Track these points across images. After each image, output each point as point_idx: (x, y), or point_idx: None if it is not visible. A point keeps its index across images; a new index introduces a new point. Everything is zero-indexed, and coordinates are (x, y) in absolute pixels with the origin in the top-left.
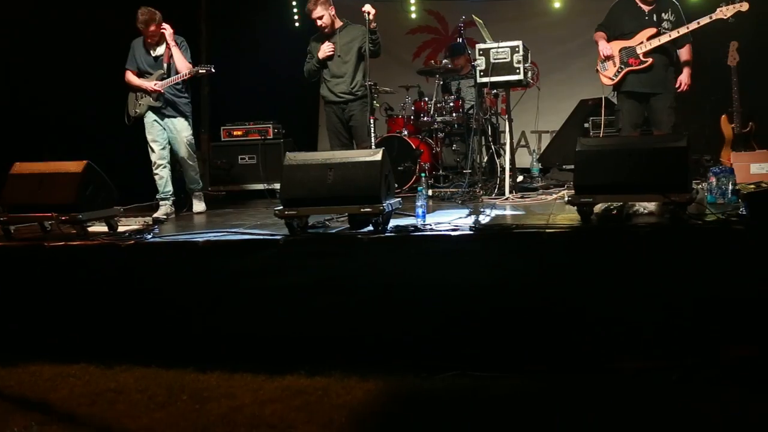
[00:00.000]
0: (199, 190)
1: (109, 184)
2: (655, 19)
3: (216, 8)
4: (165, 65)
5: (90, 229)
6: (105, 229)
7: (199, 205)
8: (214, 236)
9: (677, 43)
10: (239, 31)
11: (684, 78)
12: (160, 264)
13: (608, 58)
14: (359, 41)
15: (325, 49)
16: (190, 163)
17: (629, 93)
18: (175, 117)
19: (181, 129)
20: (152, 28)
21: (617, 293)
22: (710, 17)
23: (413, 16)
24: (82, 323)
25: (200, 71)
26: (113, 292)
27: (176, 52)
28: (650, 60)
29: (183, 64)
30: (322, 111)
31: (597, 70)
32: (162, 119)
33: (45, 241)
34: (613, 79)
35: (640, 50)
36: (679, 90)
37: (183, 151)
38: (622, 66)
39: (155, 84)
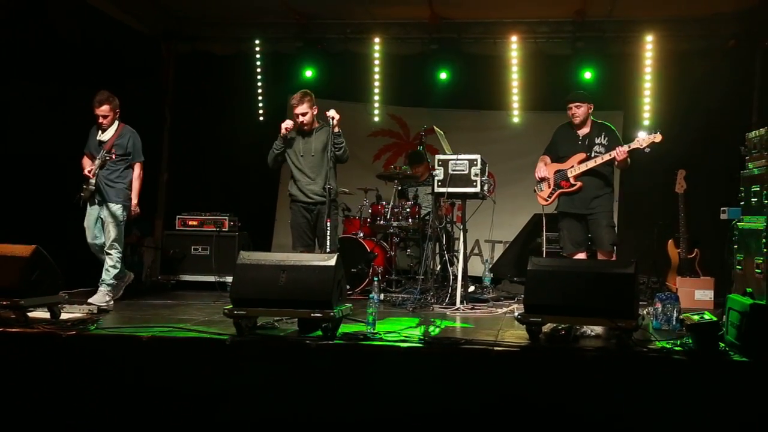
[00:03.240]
0: (108, 284)
1: (55, 270)
2: (587, 143)
3: (182, 96)
4: (104, 152)
5: (32, 314)
6: (48, 315)
7: (99, 297)
8: (160, 332)
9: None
10: (203, 120)
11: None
12: (101, 357)
13: (542, 179)
14: (330, 144)
15: (287, 124)
16: (110, 252)
17: (564, 213)
18: (108, 203)
19: (108, 216)
20: (102, 108)
21: (562, 414)
22: (629, 146)
23: (376, 119)
24: (17, 413)
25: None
26: (50, 383)
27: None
28: (579, 183)
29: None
30: (282, 206)
31: (534, 191)
32: (98, 204)
33: None
34: (547, 200)
35: (570, 173)
36: (613, 154)
37: (109, 238)
38: (555, 188)
39: (89, 170)
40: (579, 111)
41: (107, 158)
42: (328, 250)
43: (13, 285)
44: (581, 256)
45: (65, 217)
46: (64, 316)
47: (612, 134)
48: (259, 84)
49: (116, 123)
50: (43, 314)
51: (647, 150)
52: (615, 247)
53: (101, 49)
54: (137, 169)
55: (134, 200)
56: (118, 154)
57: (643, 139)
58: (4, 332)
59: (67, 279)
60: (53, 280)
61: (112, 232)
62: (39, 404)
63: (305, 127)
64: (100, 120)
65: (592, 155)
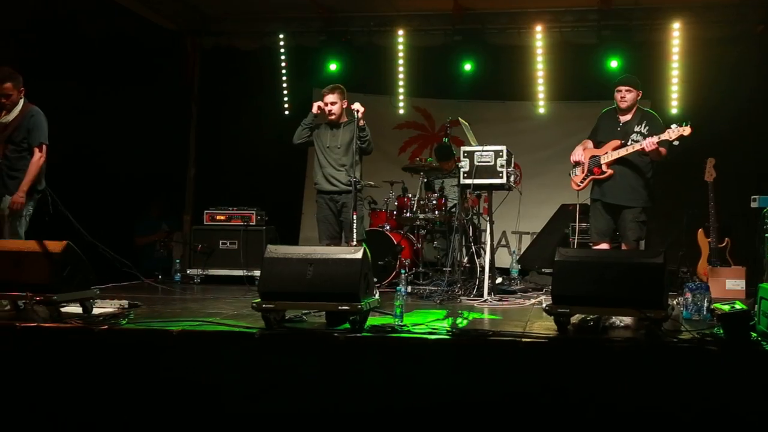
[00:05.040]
0: None
1: (87, 265)
2: (626, 131)
3: (208, 91)
4: (5, 133)
5: (65, 310)
6: (80, 310)
7: None
8: (189, 326)
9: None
10: (229, 115)
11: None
12: (132, 351)
13: (577, 164)
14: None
15: (319, 103)
16: None
17: (595, 201)
18: (4, 195)
19: (4, 207)
20: (5, 86)
21: (591, 406)
22: (659, 137)
23: (401, 111)
24: (51, 407)
25: None
26: (84, 376)
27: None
28: (610, 171)
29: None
30: (308, 200)
31: (569, 174)
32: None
33: (17, 321)
34: (579, 185)
35: (603, 160)
36: (643, 144)
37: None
38: (588, 173)
39: None
40: (628, 96)
41: (11, 139)
42: (354, 242)
43: (45, 281)
44: (604, 246)
45: (95, 214)
46: (96, 310)
47: (654, 123)
48: (284, 78)
49: (21, 102)
50: (75, 309)
51: (676, 143)
52: (640, 242)
53: (127, 46)
54: (36, 154)
55: (23, 187)
56: (21, 138)
57: (672, 130)
58: (38, 327)
59: (98, 274)
60: (85, 275)
61: (12, 230)
62: (73, 397)
63: (332, 118)
64: (3, 101)
65: (628, 143)
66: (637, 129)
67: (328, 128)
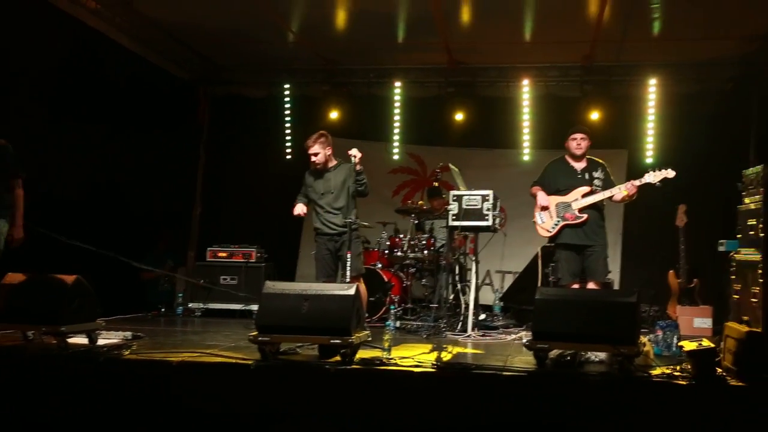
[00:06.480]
0: None
1: (94, 298)
2: (587, 177)
3: (216, 135)
4: None
5: (71, 340)
6: (86, 341)
7: None
8: (189, 356)
9: (612, 198)
10: (235, 159)
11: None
12: (134, 380)
13: (545, 209)
14: (351, 180)
15: (297, 210)
16: None
17: (566, 245)
18: None
19: None
20: None
21: None
22: (639, 181)
23: (396, 157)
24: None
25: None
26: (86, 406)
27: None
28: (585, 216)
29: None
30: (306, 239)
31: (534, 222)
32: None
33: (24, 351)
34: (551, 231)
35: (575, 206)
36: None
37: None
38: (559, 220)
39: None
40: (584, 144)
41: None
42: (348, 279)
43: (54, 312)
44: (576, 286)
45: (104, 247)
46: (100, 341)
47: (606, 170)
48: (288, 125)
49: None
50: (81, 340)
51: (659, 184)
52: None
53: (143, 93)
54: (17, 187)
55: (19, 221)
56: None
57: (655, 174)
58: (45, 356)
59: (104, 306)
60: (92, 307)
61: None
62: (76, 425)
63: (318, 167)
64: None
65: (595, 189)
66: (595, 175)
67: (318, 176)
